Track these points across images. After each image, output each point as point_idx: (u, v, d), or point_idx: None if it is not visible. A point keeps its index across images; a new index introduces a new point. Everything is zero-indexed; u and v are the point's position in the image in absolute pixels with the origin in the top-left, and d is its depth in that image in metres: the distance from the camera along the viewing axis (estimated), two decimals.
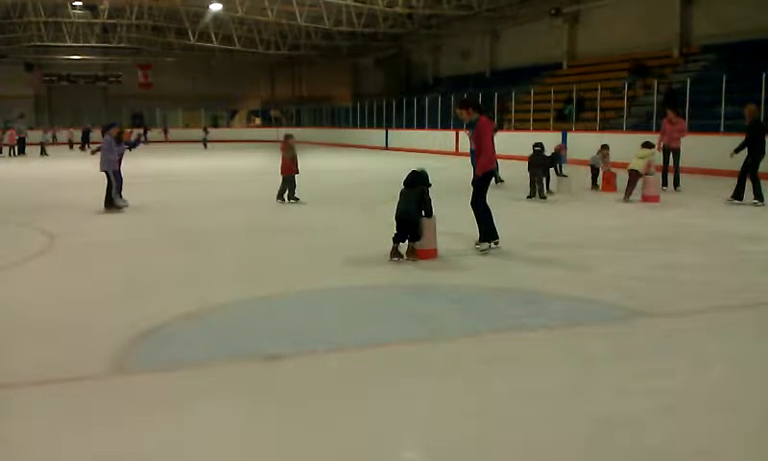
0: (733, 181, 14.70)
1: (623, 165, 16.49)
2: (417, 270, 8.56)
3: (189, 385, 4.93)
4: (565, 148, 19.01)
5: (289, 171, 15.22)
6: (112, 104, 57.71)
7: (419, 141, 39.67)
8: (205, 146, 45.87)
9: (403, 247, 9.03)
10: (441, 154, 35.36)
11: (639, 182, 15.15)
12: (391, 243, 9.00)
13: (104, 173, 14.20)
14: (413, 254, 9.03)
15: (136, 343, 5.76)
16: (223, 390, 4.83)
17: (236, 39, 50.19)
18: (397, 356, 5.49)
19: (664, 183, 17.15)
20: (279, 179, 15.35)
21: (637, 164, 15.09)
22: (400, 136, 42.33)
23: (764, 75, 21.65)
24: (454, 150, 35.06)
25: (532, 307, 6.96)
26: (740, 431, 4.13)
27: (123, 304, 7.05)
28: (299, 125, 59.82)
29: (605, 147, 17.78)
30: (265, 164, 26.08)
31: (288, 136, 15.83)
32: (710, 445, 3.98)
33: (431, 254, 9.16)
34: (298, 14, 41.52)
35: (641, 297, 7.18)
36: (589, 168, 17.82)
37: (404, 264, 8.80)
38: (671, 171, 17.50)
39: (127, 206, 14.38)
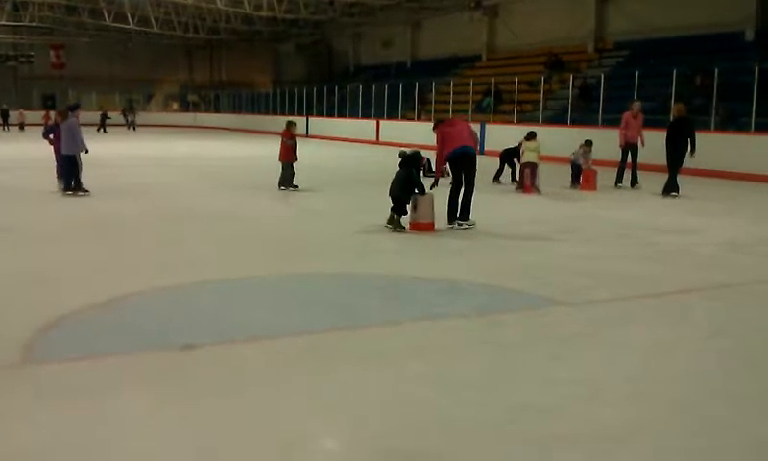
0: (644, 176, 15.12)
1: (556, 159, 16.66)
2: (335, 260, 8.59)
3: (103, 376, 4.83)
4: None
5: (288, 158, 15.32)
6: (23, 85, 55.74)
7: (339, 129, 39.59)
8: (134, 128, 47.08)
9: (394, 220, 10.22)
10: (361, 143, 35.37)
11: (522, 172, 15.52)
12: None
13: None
14: (399, 226, 10.19)
15: (47, 332, 5.60)
16: (137, 380, 4.75)
17: (153, 22, 49.00)
18: (319, 344, 5.50)
19: (619, 181, 16.55)
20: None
21: (531, 157, 15.38)
22: (321, 124, 42.08)
23: (675, 71, 22.37)
24: (375, 139, 35.14)
25: (449, 296, 7.08)
26: (649, 419, 4.27)
27: (36, 293, 6.85)
28: (217, 111, 58.95)
29: (588, 143, 16.39)
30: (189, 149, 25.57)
31: (291, 124, 15.93)
32: (619, 432, 4.11)
33: (429, 227, 10.23)
34: None
35: (557, 286, 7.35)
36: (570, 165, 16.55)
37: (325, 256, 8.86)
38: (629, 167, 16.62)
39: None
